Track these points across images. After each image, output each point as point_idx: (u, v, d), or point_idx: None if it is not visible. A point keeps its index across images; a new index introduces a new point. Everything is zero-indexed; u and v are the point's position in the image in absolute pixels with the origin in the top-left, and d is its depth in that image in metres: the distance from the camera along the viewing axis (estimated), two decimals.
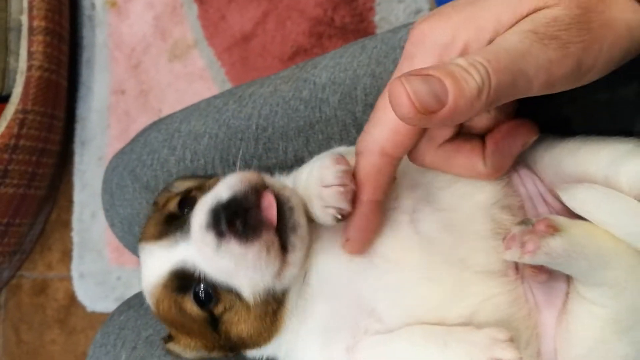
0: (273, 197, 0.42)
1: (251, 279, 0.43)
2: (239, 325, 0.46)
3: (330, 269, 0.47)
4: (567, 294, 0.47)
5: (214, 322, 0.46)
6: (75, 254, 1.43)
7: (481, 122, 0.45)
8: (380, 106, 0.42)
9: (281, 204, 0.43)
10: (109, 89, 1.45)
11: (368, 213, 0.44)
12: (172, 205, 0.49)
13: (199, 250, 0.43)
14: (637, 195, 0.41)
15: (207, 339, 0.49)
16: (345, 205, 0.43)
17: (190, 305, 0.46)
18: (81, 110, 1.46)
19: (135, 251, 0.68)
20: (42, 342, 1.43)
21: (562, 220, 0.43)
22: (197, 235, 0.43)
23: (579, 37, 0.36)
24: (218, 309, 0.45)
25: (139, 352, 0.58)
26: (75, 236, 1.44)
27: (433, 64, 0.38)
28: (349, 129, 0.58)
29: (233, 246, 0.41)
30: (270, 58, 1.38)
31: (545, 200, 0.49)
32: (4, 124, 1.26)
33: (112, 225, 0.67)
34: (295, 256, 0.44)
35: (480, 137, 0.46)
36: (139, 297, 0.65)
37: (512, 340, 0.42)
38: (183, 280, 0.45)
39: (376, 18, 1.33)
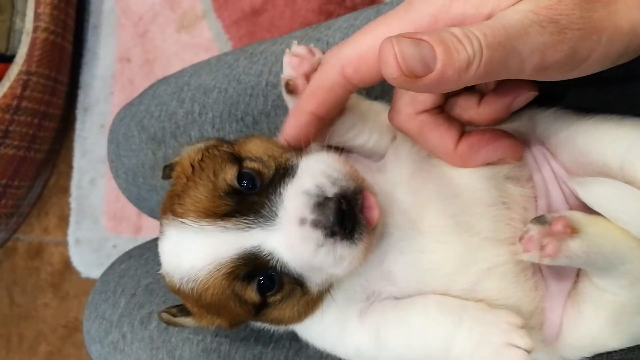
0: (375, 199, 0.41)
1: (332, 275, 0.41)
2: (285, 310, 0.44)
3: None
4: (577, 272, 0.48)
5: (262, 307, 0.44)
6: (72, 220, 1.43)
7: (467, 114, 0.45)
8: (362, 30, 0.41)
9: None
10: (115, 56, 1.44)
11: (304, 123, 0.43)
12: (229, 177, 0.43)
13: (292, 243, 0.39)
14: None
15: (239, 319, 0.46)
16: (291, 73, 0.45)
17: (249, 293, 0.42)
18: (85, 76, 1.46)
19: (137, 203, 0.68)
20: (34, 305, 1.44)
21: (578, 217, 0.43)
22: (296, 230, 0.39)
23: (578, 25, 0.36)
24: (275, 297, 0.43)
25: (138, 299, 0.58)
26: (73, 202, 1.44)
27: (427, 17, 0.38)
28: (360, 89, 0.58)
29: (339, 247, 0.39)
30: (278, 34, 1.38)
31: (555, 174, 0.50)
32: (7, 84, 1.26)
33: (116, 176, 0.67)
34: (370, 254, 0.43)
35: (460, 122, 0.46)
36: (139, 248, 0.65)
37: (525, 327, 0.43)
38: (252, 268, 0.41)
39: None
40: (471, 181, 0.47)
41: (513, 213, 0.47)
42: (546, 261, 0.42)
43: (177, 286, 0.44)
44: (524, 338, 0.41)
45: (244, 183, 0.42)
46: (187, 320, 0.48)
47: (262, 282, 0.41)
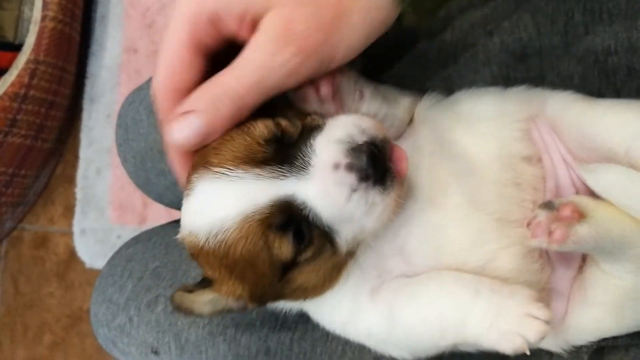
0: (403, 151, 0.41)
1: (363, 228, 0.41)
2: (310, 275, 0.43)
3: None
4: (583, 257, 0.48)
5: (290, 267, 0.42)
6: (77, 209, 1.44)
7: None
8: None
9: None
10: (122, 47, 1.45)
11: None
12: (268, 125, 0.42)
13: (325, 189, 0.39)
14: None
15: (262, 287, 0.44)
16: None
17: (283, 246, 0.40)
18: (92, 67, 1.46)
19: (145, 187, 0.68)
20: (39, 294, 1.45)
21: (585, 202, 0.43)
22: (331, 175, 0.39)
23: (316, 37, 0.39)
24: (306, 254, 0.41)
25: (145, 283, 0.58)
26: (79, 192, 1.44)
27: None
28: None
29: (371, 193, 0.39)
30: None
31: (562, 156, 0.50)
32: (15, 72, 1.26)
33: (124, 160, 0.67)
34: (397, 212, 0.43)
35: None
36: (147, 232, 0.65)
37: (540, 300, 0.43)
38: (285, 217, 0.40)
39: None
40: (489, 161, 0.48)
41: (525, 194, 0.47)
42: (554, 247, 0.42)
43: (202, 245, 0.42)
44: (542, 309, 0.41)
45: (288, 138, 0.42)
46: (202, 296, 0.45)
47: (294, 234, 0.40)
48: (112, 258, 0.63)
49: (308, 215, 0.40)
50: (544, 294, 0.47)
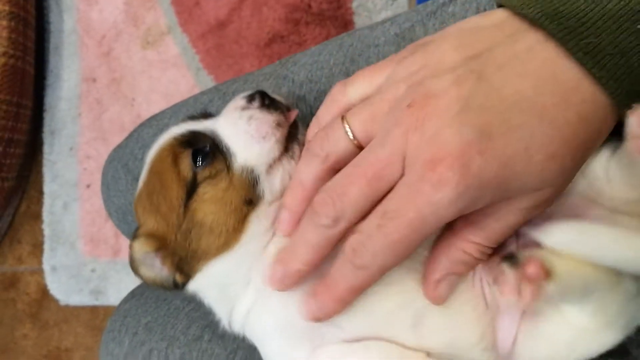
0: (296, 113, 0.54)
1: (252, 146, 0.50)
2: (209, 205, 0.49)
3: None
4: None
5: (192, 190, 0.50)
6: (46, 246, 1.47)
7: None
8: None
9: (297, 124, 0.54)
10: (79, 77, 1.48)
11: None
12: None
13: (225, 112, 0.53)
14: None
15: (172, 224, 0.50)
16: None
17: (184, 160, 0.51)
18: (50, 99, 1.49)
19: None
20: (13, 337, 1.47)
21: (548, 258, 0.47)
22: (230, 103, 0.53)
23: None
24: (204, 173, 0.50)
25: (139, 338, 0.64)
26: (46, 228, 1.47)
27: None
28: None
29: (255, 110, 0.52)
30: (246, 45, 1.43)
31: None
32: None
33: (109, 214, 0.73)
34: (288, 161, 0.51)
35: None
36: (142, 286, 0.71)
37: None
38: (194, 138, 0.52)
39: (354, 4, 1.39)
40: None
41: None
42: (523, 305, 0.47)
43: (139, 185, 0.54)
44: None
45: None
46: (135, 247, 0.53)
47: (197, 151, 0.51)
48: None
49: (213, 139, 0.51)
50: (489, 333, 0.50)
